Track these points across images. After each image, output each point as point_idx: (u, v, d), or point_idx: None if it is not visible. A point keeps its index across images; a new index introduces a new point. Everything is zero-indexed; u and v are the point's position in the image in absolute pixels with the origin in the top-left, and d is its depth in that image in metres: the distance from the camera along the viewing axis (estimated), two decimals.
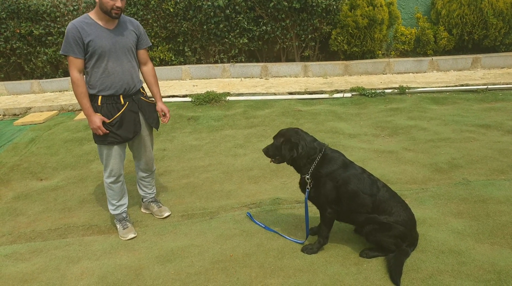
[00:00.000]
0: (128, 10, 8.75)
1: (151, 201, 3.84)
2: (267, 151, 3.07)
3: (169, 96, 7.59)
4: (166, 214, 3.76)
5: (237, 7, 8.42)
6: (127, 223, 3.56)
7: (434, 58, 8.59)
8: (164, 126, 6.12)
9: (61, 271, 3.05)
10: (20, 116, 7.68)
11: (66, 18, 8.79)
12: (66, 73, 9.32)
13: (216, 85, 8.30)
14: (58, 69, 9.40)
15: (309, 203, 3.12)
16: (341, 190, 2.86)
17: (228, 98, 7.37)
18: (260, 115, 6.50)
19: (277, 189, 4.11)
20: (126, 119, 3.32)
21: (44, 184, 4.70)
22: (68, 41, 3.07)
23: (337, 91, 7.40)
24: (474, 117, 5.82)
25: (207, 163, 4.89)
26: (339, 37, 8.55)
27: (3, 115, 7.81)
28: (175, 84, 8.65)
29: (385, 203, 2.84)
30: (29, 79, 9.43)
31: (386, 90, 7.26)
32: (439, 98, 6.88)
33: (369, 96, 7.10)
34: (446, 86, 7.29)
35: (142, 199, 3.89)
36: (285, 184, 4.19)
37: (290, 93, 7.52)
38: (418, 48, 9.03)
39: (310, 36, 8.71)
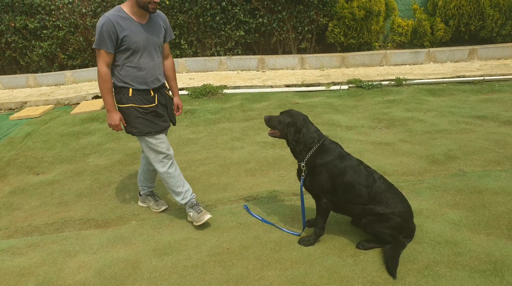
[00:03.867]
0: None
1: (148, 195, 3.83)
2: (269, 120, 3.08)
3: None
4: (163, 207, 3.75)
5: None
6: (200, 207, 3.43)
7: (431, 49, 8.59)
8: None
9: (58, 265, 3.05)
10: (16, 110, 7.64)
11: (61, 11, 8.71)
12: (61, 67, 9.27)
13: (212, 78, 8.27)
14: (53, 63, 9.35)
15: (306, 195, 3.13)
16: (336, 180, 2.86)
17: (225, 91, 7.35)
18: (257, 108, 6.49)
19: (273, 181, 4.12)
20: (159, 110, 3.31)
21: (40, 178, 4.69)
22: (102, 35, 2.96)
23: (334, 83, 7.38)
24: (470, 109, 5.83)
25: (204, 156, 4.88)
26: (335, 29, 8.52)
27: None
28: None
29: (381, 194, 2.84)
30: (25, 73, 9.39)
31: (383, 82, 7.25)
32: (436, 89, 6.89)
33: (366, 88, 7.09)
34: (443, 78, 7.30)
35: (139, 193, 3.89)
36: (282, 177, 4.19)
37: (287, 86, 7.50)
38: (415, 39, 9.02)
39: (306, 28, 8.68)
